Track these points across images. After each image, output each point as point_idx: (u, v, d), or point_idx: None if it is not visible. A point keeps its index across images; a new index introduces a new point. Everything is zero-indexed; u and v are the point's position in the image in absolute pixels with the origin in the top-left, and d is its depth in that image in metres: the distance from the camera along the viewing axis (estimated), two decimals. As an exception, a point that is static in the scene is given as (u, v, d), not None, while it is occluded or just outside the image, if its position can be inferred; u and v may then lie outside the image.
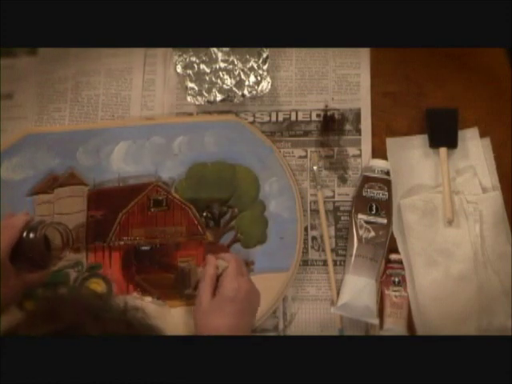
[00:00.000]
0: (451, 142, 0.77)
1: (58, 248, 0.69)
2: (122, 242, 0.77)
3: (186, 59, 0.80)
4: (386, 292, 0.74)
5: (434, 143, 0.77)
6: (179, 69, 0.80)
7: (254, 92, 0.79)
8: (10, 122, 0.83)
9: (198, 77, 0.79)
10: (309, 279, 0.76)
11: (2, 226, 0.67)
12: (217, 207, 0.77)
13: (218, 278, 0.67)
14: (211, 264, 0.67)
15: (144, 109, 0.83)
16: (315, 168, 0.78)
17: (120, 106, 0.83)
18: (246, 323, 0.65)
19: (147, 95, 0.83)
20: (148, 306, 0.73)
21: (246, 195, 0.77)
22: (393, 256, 0.75)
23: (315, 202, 0.78)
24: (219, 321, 0.62)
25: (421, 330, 0.73)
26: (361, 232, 0.74)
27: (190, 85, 0.79)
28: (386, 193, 0.75)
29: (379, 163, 0.76)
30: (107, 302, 0.48)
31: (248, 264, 0.74)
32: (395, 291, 0.74)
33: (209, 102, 0.79)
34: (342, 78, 0.82)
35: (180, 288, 0.74)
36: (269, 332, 0.74)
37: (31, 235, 0.68)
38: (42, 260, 0.70)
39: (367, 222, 0.74)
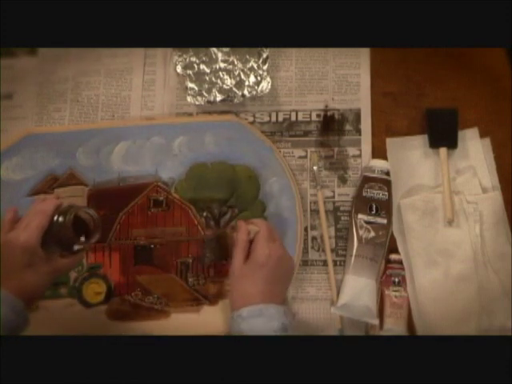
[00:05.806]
0: (451, 142, 0.77)
1: (88, 232, 0.68)
2: (122, 242, 0.77)
3: (186, 59, 0.80)
4: (386, 292, 0.74)
5: (434, 143, 0.77)
6: (179, 69, 0.80)
7: (254, 92, 0.79)
8: (10, 121, 0.83)
9: (198, 77, 0.79)
10: (309, 279, 0.76)
11: (33, 212, 0.66)
12: (217, 207, 0.77)
13: (250, 244, 0.66)
14: (243, 230, 0.67)
15: (144, 109, 0.83)
16: (315, 168, 0.78)
17: (120, 106, 0.83)
18: (279, 290, 0.65)
19: (147, 95, 0.83)
20: None
21: (246, 195, 0.77)
22: (393, 256, 0.75)
23: (315, 202, 0.78)
24: (251, 287, 0.62)
25: (421, 330, 0.73)
26: (361, 232, 0.74)
27: (190, 85, 0.79)
28: (386, 193, 0.75)
29: (379, 163, 0.76)
30: None
31: None
32: (395, 291, 0.74)
33: (209, 102, 0.79)
34: (341, 78, 0.82)
35: (211, 257, 0.75)
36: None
37: (61, 219, 0.66)
38: (72, 244, 0.68)
39: (367, 222, 0.74)
